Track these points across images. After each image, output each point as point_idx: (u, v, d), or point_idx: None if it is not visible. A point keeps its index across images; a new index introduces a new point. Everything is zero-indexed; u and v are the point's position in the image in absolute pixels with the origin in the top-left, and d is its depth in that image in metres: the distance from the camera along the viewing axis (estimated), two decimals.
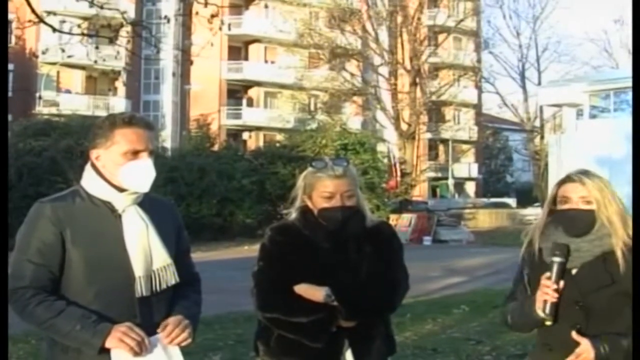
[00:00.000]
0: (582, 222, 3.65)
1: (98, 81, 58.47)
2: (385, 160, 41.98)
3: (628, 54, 58.58)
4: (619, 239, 3.60)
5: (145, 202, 3.62)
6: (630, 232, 3.61)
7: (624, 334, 3.48)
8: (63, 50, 15.15)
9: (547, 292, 3.57)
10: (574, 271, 3.65)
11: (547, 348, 3.71)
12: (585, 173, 3.75)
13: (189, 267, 3.85)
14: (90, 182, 3.60)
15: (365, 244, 4.12)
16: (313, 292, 3.96)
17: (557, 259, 3.59)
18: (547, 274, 3.60)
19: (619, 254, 3.58)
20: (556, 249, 3.61)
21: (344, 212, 4.07)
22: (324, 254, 4.06)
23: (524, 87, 69.49)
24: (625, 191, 3.99)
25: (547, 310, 3.57)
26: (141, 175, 3.54)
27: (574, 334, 3.51)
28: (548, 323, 3.59)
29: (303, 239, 4.10)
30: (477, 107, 72.03)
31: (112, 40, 15.66)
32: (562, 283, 3.59)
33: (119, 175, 3.53)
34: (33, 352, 9.73)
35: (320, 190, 4.09)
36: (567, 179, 3.75)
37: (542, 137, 65.68)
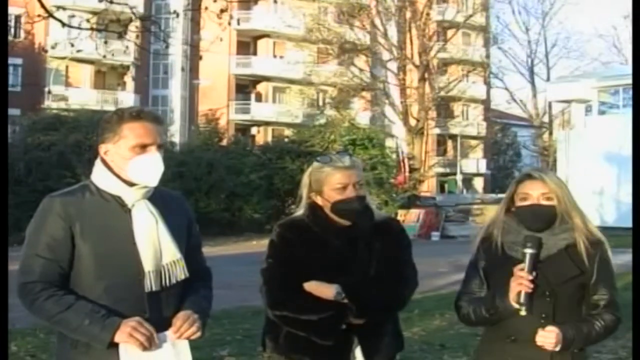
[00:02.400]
0: (544, 217, 3.80)
1: (107, 76, 58.48)
2: (394, 156, 41.92)
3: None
4: (581, 233, 3.77)
5: (156, 197, 3.62)
6: (591, 229, 3.82)
7: (584, 320, 3.72)
8: (72, 45, 15.14)
9: (522, 283, 3.66)
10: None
11: (510, 340, 3.78)
12: (544, 171, 3.91)
13: (200, 262, 3.85)
14: (99, 176, 3.60)
15: (374, 240, 4.11)
16: (323, 289, 3.95)
17: (529, 250, 3.70)
18: (521, 265, 3.71)
19: (581, 247, 3.75)
20: (528, 240, 3.72)
21: (360, 202, 4.08)
22: (333, 251, 4.05)
23: (532, 82, 69.38)
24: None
25: (522, 300, 3.66)
26: (150, 169, 3.53)
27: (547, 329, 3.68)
28: (523, 313, 3.68)
29: (313, 235, 4.09)
30: (486, 102, 71.87)
31: (121, 35, 15.64)
32: (534, 273, 3.70)
33: (128, 169, 3.52)
34: (41, 346, 9.75)
35: (333, 183, 4.07)
36: (527, 177, 3.89)
37: (550, 133, 65.57)
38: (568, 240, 3.77)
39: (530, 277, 3.65)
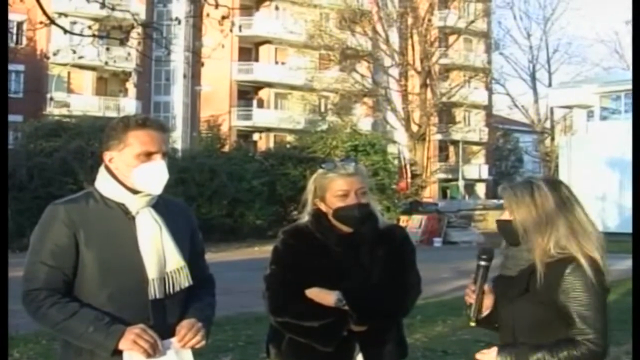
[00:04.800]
0: (503, 232, 3.65)
1: (109, 82, 58.58)
2: (396, 162, 41.93)
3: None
4: (540, 251, 3.49)
5: (160, 204, 3.63)
6: (557, 246, 3.48)
7: (541, 346, 3.39)
8: (74, 52, 15.18)
9: (467, 294, 3.63)
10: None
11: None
12: (510, 184, 3.70)
13: (203, 269, 3.86)
14: (103, 184, 3.61)
15: (378, 247, 4.12)
16: (324, 296, 3.96)
17: (482, 263, 3.62)
18: (472, 276, 3.65)
19: (538, 266, 3.47)
20: (482, 252, 3.64)
21: (360, 210, 4.07)
22: (336, 258, 4.06)
23: (534, 88, 69.31)
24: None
25: (470, 311, 3.63)
26: (154, 177, 3.54)
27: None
28: (472, 324, 3.66)
29: (316, 242, 4.10)
30: (488, 108, 71.85)
31: (123, 42, 15.69)
32: (487, 286, 3.62)
33: (132, 177, 3.53)
34: (43, 353, 9.76)
35: (335, 190, 4.08)
36: None
37: (552, 139, 65.58)
38: (528, 259, 3.54)
39: (473, 288, 3.61)
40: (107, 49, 23.93)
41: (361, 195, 4.09)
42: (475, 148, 74.59)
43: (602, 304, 3.40)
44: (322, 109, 57.97)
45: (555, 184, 3.62)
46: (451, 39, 59.57)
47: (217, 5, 12.32)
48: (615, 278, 3.76)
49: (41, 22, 13.34)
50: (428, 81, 52.46)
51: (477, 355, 3.53)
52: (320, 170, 4.19)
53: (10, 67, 44.75)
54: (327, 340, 3.95)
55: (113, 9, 13.28)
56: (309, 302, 3.97)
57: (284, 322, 4.02)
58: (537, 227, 3.51)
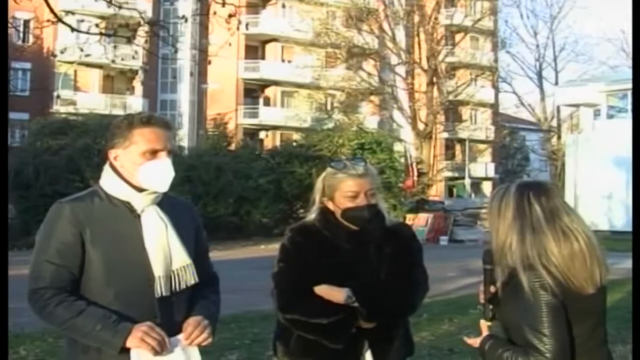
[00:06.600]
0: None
1: (115, 80, 58.66)
2: (402, 160, 41.87)
3: None
4: (497, 256, 3.47)
5: (165, 202, 3.63)
6: (510, 255, 3.39)
7: (511, 347, 3.39)
8: (81, 50, 15.20)
9: (479, 294, 3.63)
10: None
11: None
12: (506, 186, 3.61)
13: (207, 267, 3.86)
14: (108, 182, 3.61)
15: (385, 245, 4.12)
16: (333, 293, 3.96)
17: (486, 266, 3.59)
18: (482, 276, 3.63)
19: (498, 272, 3.47)
20: (486, 256, 3.60)
21: (370, 211, 4.07)
22: (344, 255, 4.05)
23: (541, 86, 69.30)
24: None
25: (483, 311, 3.64)
26: (160, 174, 3.54)
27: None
28: (488, 323, 3.64)
29: (323, 239, 4.10)
30: (494, 106, 71.80)
31: (129, 40, 15.70)
32: (492, 288, 3.56)
33: (138, 175, 3.53)
34: (50, 350, 9.77)
35: (344, 190, 4.07)
36: None
37: (559, 137, 65.43)
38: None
39: (481, 289, 3.60)
40: (114, 47, 24.03)
41: (371, 196, 4.09)
42: (481, 146, 74.58)
43: (548, 317, 3.27)
44: (329, 107, 57.93)
45: (522, 191, 3.48)
46: (458, 37, 59.48)
47: (224, 4, 12.30)
48: (620, 277, 3.76)
49: (48, 20, 13.34)
50: (434, 79, 52.41)
51: (469, 340, 3.65)
52: (329, 170, 4.18)
53: (17, 65, 44.89)
54: (336, 337, 3.95)
55: (120, 7, 13.28)
56: (318, 299, 3.97)
57: (293, 319, 4.02)
58: (496, 234, 3.48)
